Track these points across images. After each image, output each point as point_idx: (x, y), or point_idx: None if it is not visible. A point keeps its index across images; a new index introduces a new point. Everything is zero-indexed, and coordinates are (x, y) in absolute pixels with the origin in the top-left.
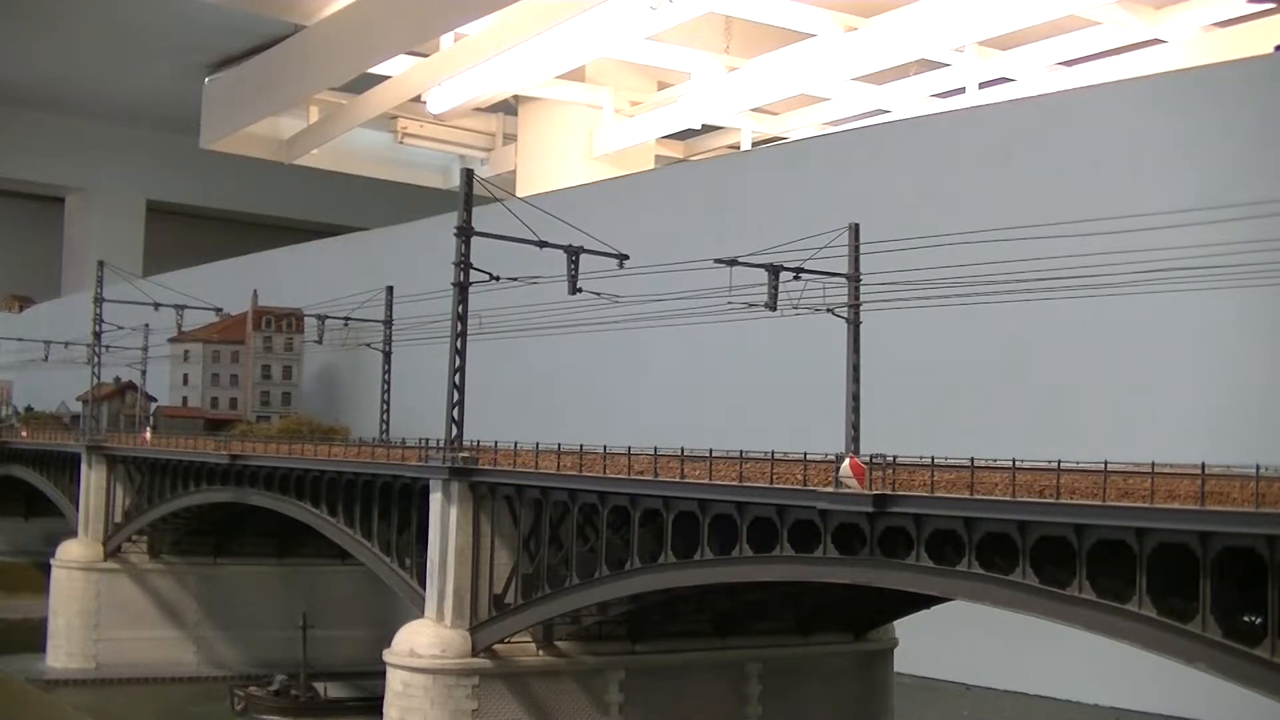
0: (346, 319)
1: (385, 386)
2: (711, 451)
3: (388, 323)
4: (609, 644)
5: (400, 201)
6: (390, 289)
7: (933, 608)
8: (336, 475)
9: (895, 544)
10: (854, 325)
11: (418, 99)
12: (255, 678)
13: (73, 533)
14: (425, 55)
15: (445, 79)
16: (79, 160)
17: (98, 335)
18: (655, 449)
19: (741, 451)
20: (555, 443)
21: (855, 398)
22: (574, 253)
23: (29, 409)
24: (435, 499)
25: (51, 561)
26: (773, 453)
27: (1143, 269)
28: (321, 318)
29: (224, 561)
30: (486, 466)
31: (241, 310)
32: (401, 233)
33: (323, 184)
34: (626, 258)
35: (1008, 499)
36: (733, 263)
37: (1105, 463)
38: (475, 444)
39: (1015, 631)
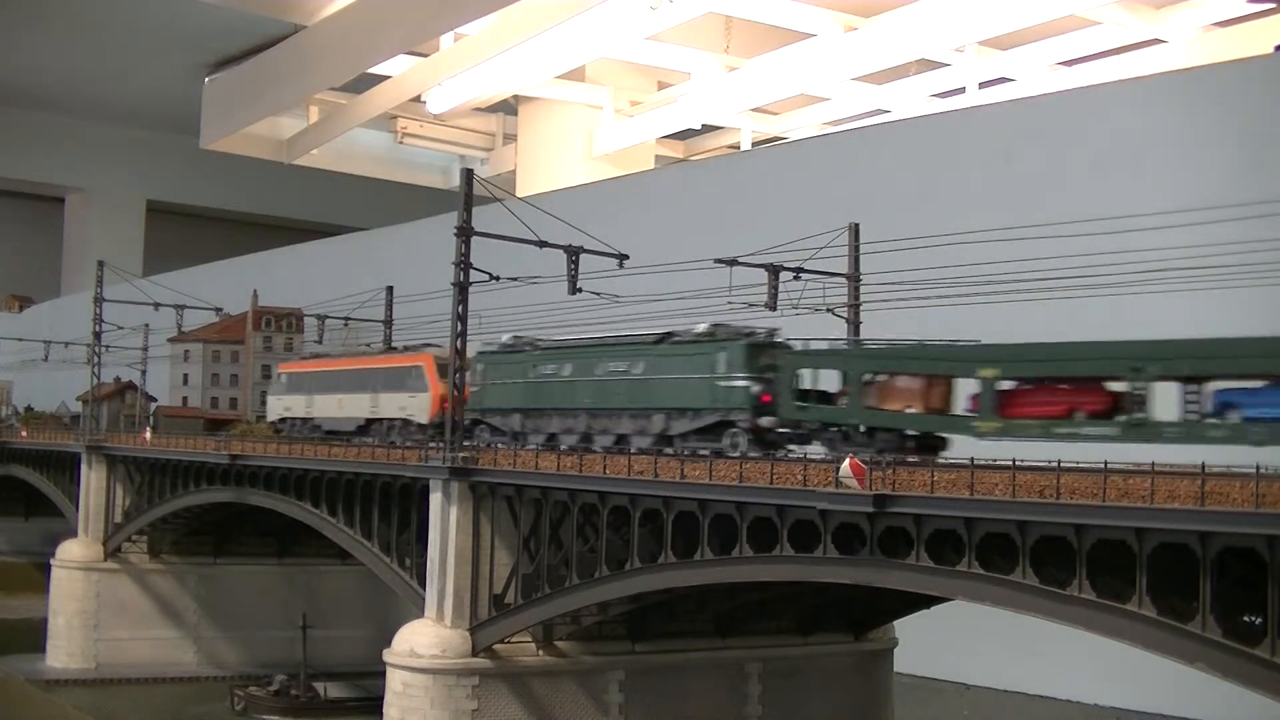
0: (346, 319)
1: None
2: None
3: (388, 323)
4: (609, 644)
5: (400, 201)
6: (390, 289)
7: (933, 608)
8: (336, 475)
9: (895, 544)
10: (854, 325)
11: (418, 99)
12: (255, 678)
13: (73, 533)
14: (425, 55)
15: (445, 79)
16: (79, 160)
17: (98, 335)
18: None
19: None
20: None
21: None
22: (574, 253)
23: (29, 409)
24: (435, 499)
25: (51, 561)
26: (773, 452)
27: (1143, 269)
28: (321, 318)
29: (224, 561)
30: (486, 466)
31: (241, 310)
32: (401, 233)
33: (323, 184)
34: (626, 258)
35: (1008, 499)
36: (733, 263)
37: (1105, 462)
38: (475, 444)
39: (1015, 631)
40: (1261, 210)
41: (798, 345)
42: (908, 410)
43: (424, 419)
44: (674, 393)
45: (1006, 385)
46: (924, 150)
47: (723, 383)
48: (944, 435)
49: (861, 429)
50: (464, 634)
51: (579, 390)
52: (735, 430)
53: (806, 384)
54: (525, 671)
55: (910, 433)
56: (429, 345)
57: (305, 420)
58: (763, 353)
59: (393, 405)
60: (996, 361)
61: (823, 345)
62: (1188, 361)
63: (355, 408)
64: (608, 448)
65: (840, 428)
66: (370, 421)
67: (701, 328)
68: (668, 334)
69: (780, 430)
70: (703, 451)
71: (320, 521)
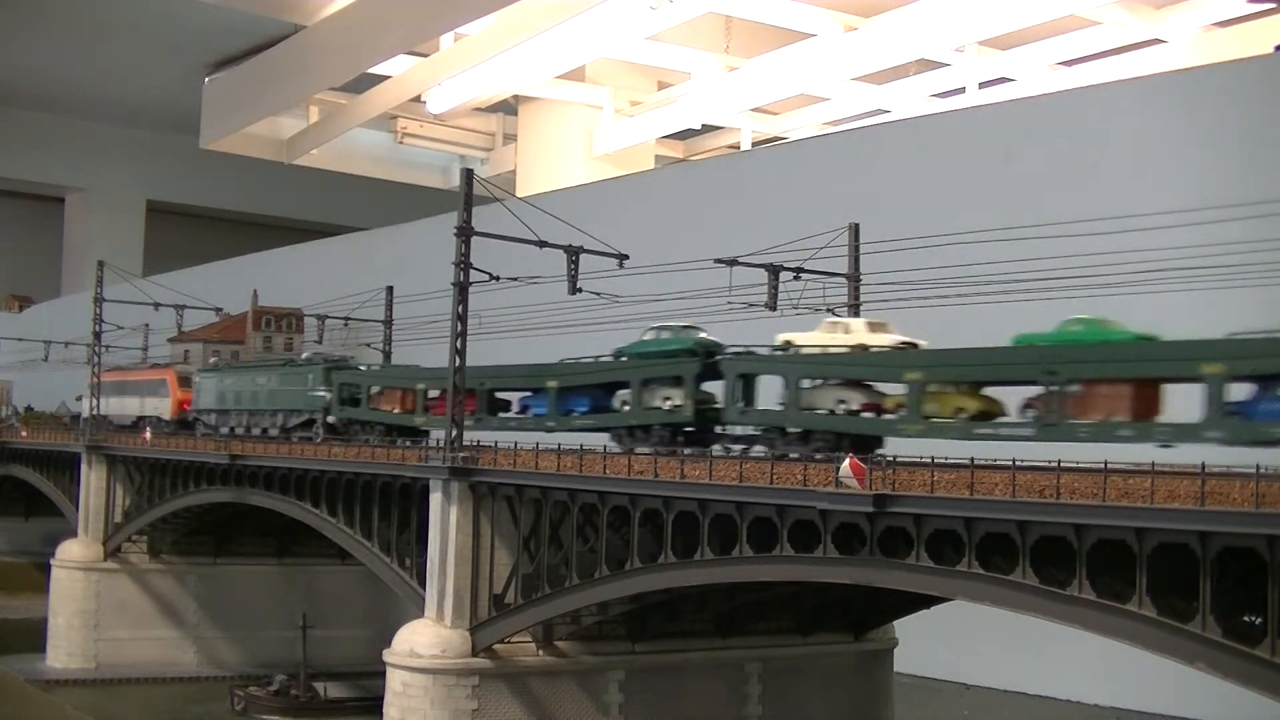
0: (346, 319)
1: None
2: (712, 451)
3: (388, 323)
4: (609, 644)
5: (400, 201)
6: (390, 289)
7: (933, 608)
8: (336, 475)
9: (895, 544)
10: None
11: (418, 99)
12: (255, 678)
13: (73, 533)
14: (425, 55)
15: (445, 79)
16: (79, 160)
17: (98, 335)
18: (655, 448)
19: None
20: (555, 442)
21: None
22: (574, 253)
23: (29, 409)
24: (435, 499)
25: (51, 561)
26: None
27: (1143, 269)
28: (321, 318)
29: (224, 561)
30: (486, 466)
31: (241, 310)
32: (401, 233)
33: (323, 184)
34: (626, 257)
35: (1008, 499)
36: (733, 263)
37: (1105, 462)
38: (475, 444)
39: (1015, 631)
40: (1261, 210)
41: (364, 367)
42: (394, 411)
43: (168, 416)
44: (287, 399)
45: (435, 394)
46: (924, 150)
47: (310, 393)
48: (407, 426)
49: (370, 424)
50: (464, 634)
51: (243, 396)
52: (317, 425)
53: (360, 394)
54: (525, 671)
55: (393, 425)
56: (173, 365)
57: (104, 416)
58: (337, 372)
59: (151, 406)
60: (429, 380)
61: (363, 367)
62: (554, 378)
63: (131, 407)
64: (271, 436)
65: (361, 423)
66: (139, 417)
67: (307, 354)
68: (290, 360)
69: (342, 425)
70: (314, 438)
71: (320, 521)
